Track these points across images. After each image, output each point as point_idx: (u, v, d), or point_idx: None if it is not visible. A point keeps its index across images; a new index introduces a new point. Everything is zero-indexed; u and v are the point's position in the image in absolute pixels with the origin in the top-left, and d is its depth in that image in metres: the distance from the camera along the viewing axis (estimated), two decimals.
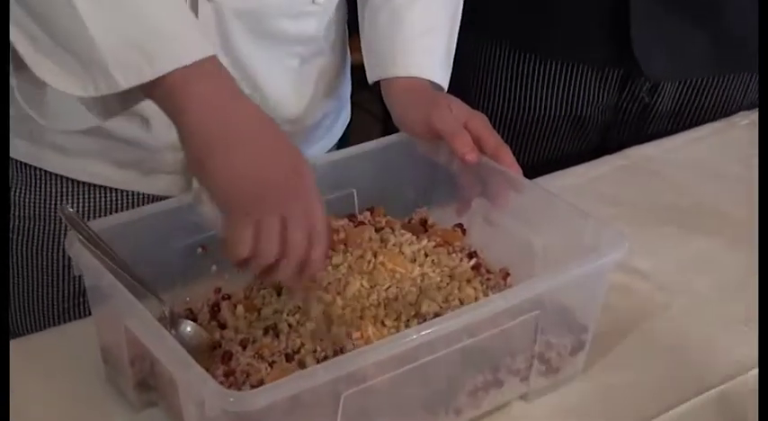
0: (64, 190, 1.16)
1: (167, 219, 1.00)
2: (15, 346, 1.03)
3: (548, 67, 1.44)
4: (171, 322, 0.96)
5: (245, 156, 0.86)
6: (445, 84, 1.17)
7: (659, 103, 1.49)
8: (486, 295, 1.03)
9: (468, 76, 1.49)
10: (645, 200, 1.34)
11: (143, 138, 1.10)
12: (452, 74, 1.20)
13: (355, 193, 1.13)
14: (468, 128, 1.08)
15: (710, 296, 1.16)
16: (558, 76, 1.44)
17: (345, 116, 1.34)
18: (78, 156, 1.13)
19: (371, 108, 2.65)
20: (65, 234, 0.95)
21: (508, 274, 1.07)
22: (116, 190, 1.16)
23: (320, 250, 0.90)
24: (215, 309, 1.03)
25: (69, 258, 0.94)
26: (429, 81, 1.15)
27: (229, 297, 1.04)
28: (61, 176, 1.15)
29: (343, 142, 2.34)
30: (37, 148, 1.13)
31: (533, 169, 1.32)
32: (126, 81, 0.85)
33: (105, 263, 0.92)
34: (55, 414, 0.96)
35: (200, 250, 1.04)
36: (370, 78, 1.19)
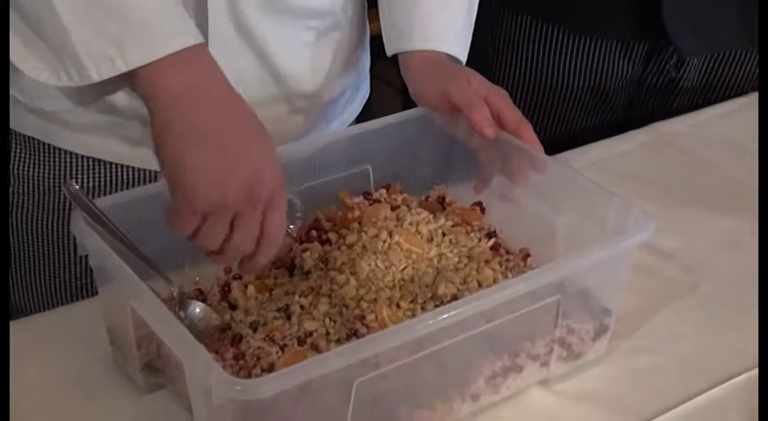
0: (74, 165, 1.12)
1: None
2: (21, 326, 1.01)
3: (571, 38, 1.40)
4: (179, 303, 0.93)
5: (206, 154, 0.81)
6: (464, 57, 1.13)
7: (685, 76, 1.45)
8: (505, 277, 1.00)
9: (489, 48, 1.44)
10: (670, 177, 1.30)
11: None
12: (473, 45, 1.16)
13: (371, 170, 1.10)
14: (487, 102, 1.04)
15: (738, 278, 1.12)
16: (581, 48, 1.40)
17: (365, 90, 1.30)
18: (90, 132, 1.10)
19: (392, 80, 2.61)
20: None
21: (528, 255, 1.03)
22: (127, 167, 1.13)
23: (263, 257, 0.87)
24: (225, 290, 1.00)
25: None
26: (447, 55, 1.11)
27: (240, 277, 1.01)
28: (71, 152, 1.12)
29: (362, 115, 2.29)
30: (47, 123, 1.10)
31: (555, 144, 1.28)
32: (98, 74, 0.81)
33: (111, 242, 0.89)
34: (60, 397, 0.94)
35: None
36: (389, 51, 1.15)
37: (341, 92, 1.22)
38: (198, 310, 0.95)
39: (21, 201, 1.14)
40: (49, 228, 1.15)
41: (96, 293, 0.97)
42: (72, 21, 0.80)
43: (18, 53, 0.84)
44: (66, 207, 1.14)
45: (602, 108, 1.46)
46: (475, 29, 1.16)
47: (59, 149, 1.12)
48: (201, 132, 0.82)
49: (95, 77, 0.81)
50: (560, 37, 1.40)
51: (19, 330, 1.00)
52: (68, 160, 1.12)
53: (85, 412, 0.93)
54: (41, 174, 1.13)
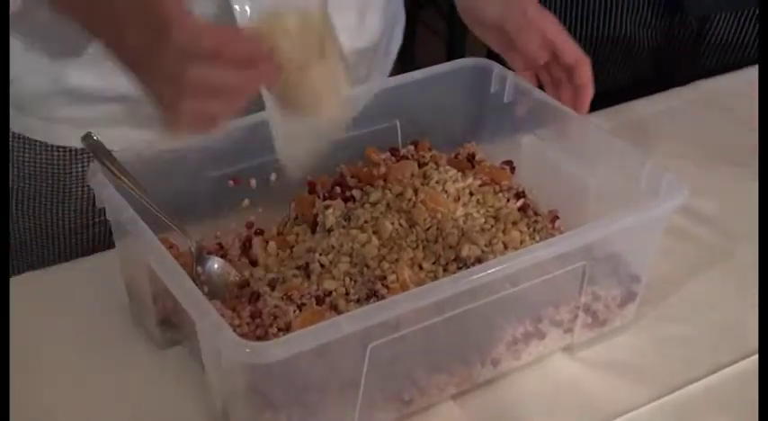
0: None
1: (197, 150, 0.96)
2: (40, 277, 1.01)
3: None
4: (197, 258, 0.92)
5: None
6: None
7: (712, 31, 1.40)
8: (532, 239, 0.97)
9: None
10: (713, 137, 1.26)
11: None
12: None
13: (398, 125, 1.07)
14: (543, 32, 1.03)
15: None
16: None
17: (399, 33, 1.26)
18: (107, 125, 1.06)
19: (437, 27, 2.58)
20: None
21: (557, 217, 1.01)
22: None
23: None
24: (246, 245, 0.98)
25: None
26: None
27: (262, 232, 1.00)
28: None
29: (407, 62, 2.24)
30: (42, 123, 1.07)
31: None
32: None
33: (129, 195, 0.88)
34: (78, 349, 0.93)
35: (231, 183, 0.99)
36: None
37: (380, 38, 1.19)
38: (216, 266, 0.93)
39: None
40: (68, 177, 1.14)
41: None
42: None
43: None
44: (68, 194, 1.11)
45: (630, 60, 1.41)
46: None
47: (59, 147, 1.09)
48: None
49: None
50: None
51: (38, 281, 1.00)
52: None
53: (102, 365, 0.92)
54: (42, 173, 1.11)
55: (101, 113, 1.05)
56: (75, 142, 1.04)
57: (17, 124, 1.06)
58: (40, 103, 1.04)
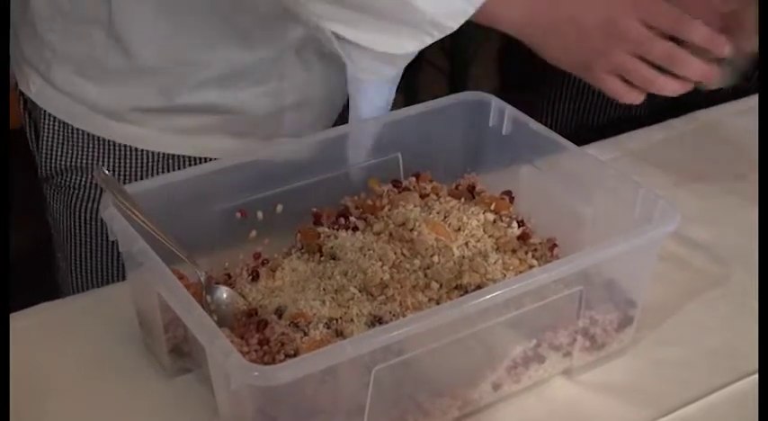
0: (108, 152, 1.15)
1: (205, 183, 0.99)
2: (54, 307, 1.04)
3: None
4: (206, 288, 0.95)
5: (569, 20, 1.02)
6: None
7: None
8: (531, 266, 1.00)
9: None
10: (710, 167, 1.29)
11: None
12: (510, 40, 1.15)
13: (400, 157, 1.10)
14: None
15: None
16: None
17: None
18: (198, 133, 1.14)
19: (438, 63, 2.62)
20: None
21: (555, 245, 1.03)
22: (161, 155, 1.15)
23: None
24: (254, 275, 1.01)
25: None
26: None
27: (268, 262, 1.03)
28: (110, 141, 1.14)
29: (410, 97, 2.29)
30: (149, 131, 1.14)
31: (593, 131, 1.27)
32: (456, 22, 0.97)
33: (140, 227, 0.91)
34: (89, 378, 0.96)
35: (238, 215, 1.02)
36: None
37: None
38: (225, 295, 0.96)
39: (60, 188, 1.16)
40: (89, 214, 1.18)
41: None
42: None
43: (369, 40, 0.98)
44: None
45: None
46: None
47: (100, 139, 1.13)
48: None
49: (454, 26, 0.97)
50: None
51: (52, 311, 1.03)
52: (107, 148, 1.14)
53: (114, 393, 0.95)
54: (79, 163, 1.15)
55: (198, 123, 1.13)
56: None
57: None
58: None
